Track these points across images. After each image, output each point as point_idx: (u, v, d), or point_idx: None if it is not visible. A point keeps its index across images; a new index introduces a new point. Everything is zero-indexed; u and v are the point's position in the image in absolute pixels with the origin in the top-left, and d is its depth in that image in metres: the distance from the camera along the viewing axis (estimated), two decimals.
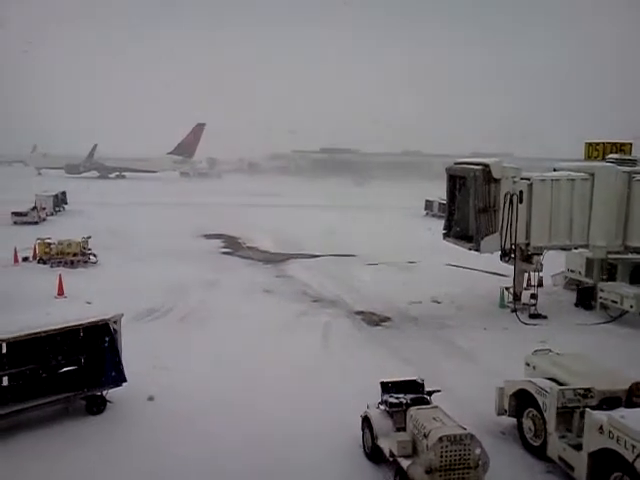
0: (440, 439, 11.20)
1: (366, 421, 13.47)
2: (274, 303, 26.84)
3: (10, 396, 14.63)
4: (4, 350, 14.49)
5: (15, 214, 50.31)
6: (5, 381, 14.87)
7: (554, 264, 28.13)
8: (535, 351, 15.58)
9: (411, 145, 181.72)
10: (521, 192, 24.42)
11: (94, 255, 34.31)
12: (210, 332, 22.21)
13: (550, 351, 15.62)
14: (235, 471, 12.72)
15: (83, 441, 13.91)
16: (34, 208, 52.16)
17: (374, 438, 13.02)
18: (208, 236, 47.31)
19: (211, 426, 14.61)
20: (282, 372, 18.27)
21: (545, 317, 24.77)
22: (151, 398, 16.02)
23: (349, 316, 24.95)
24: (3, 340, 14.17)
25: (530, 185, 24.79)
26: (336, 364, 19.17)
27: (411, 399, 13.19)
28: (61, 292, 26.51)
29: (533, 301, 25.17)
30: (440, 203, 55.52)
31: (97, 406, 15.29)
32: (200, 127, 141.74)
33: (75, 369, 15.40)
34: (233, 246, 43.43)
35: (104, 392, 15.51)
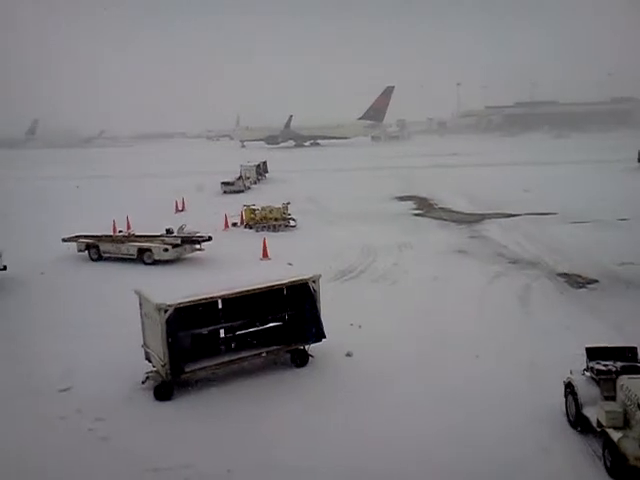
0: None
1: (569, 387, 12.76)
2: (468, 264, 26.26)
3: (225, 347, 16.35)
4: (220, 306, 16.15)
5: (224, 184, 55.23)
6: (221, 333, 16.60)
7: None
8: None
9: (623, 92, 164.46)
10: None
11: (293, 219, 36.60)
12: (403, 292, 22.52)
13: None
14: (425, 431, 12.83)
15: (289, 389, 15.13)
16: (240, 178, 56.91)
17: (579, 406, 12.29)
18: (400, 198, 47.56)
19: (404, 383, 14.96)
20: (477, 332, 18.01)
21: None
22: (349, 354, 16.79)
23: (550, 278, 23.51)
24: (219, 297, 15.75)
25: None
26: (535, 327, 18.34)
27: (621, 367, 12.21)
28: (265, 254, 28.71)
29: None
30: None
31: (301, 359, 16.42)
32: (389, 90, 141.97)
33: (280, 325, 16.69)
34: (425, 207, 43.17)
35: (306, 347, 16.58)
